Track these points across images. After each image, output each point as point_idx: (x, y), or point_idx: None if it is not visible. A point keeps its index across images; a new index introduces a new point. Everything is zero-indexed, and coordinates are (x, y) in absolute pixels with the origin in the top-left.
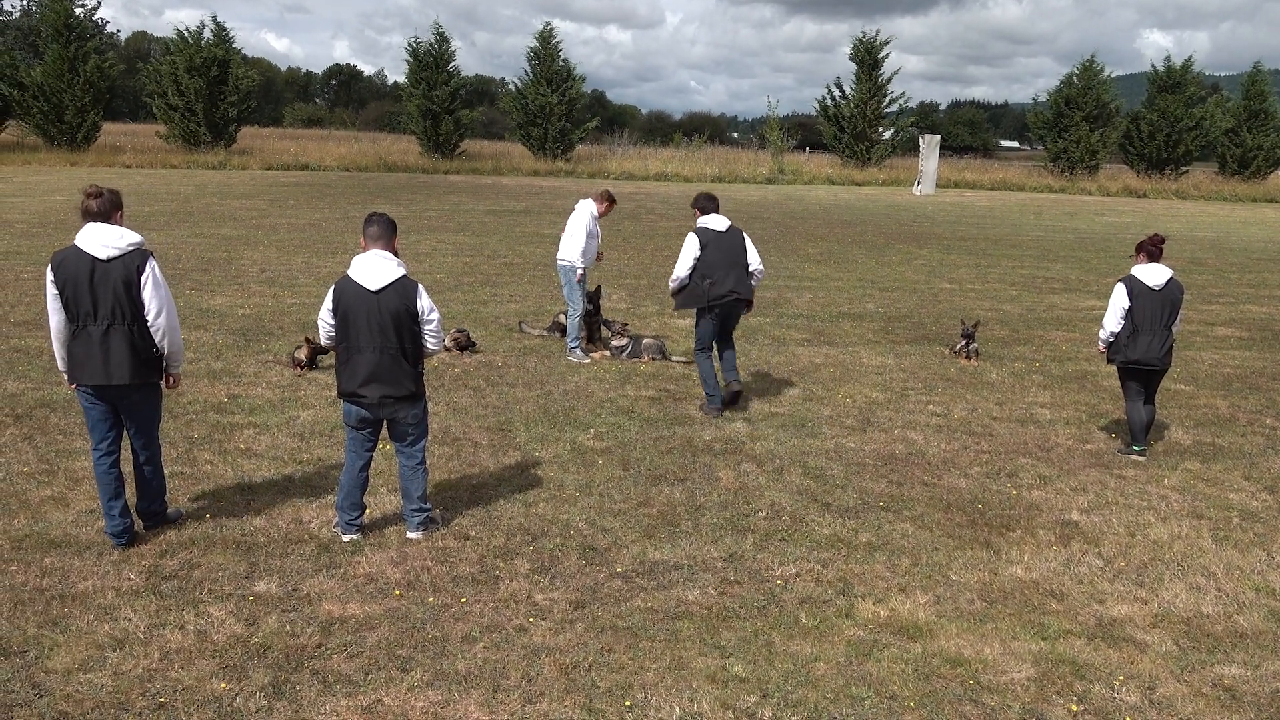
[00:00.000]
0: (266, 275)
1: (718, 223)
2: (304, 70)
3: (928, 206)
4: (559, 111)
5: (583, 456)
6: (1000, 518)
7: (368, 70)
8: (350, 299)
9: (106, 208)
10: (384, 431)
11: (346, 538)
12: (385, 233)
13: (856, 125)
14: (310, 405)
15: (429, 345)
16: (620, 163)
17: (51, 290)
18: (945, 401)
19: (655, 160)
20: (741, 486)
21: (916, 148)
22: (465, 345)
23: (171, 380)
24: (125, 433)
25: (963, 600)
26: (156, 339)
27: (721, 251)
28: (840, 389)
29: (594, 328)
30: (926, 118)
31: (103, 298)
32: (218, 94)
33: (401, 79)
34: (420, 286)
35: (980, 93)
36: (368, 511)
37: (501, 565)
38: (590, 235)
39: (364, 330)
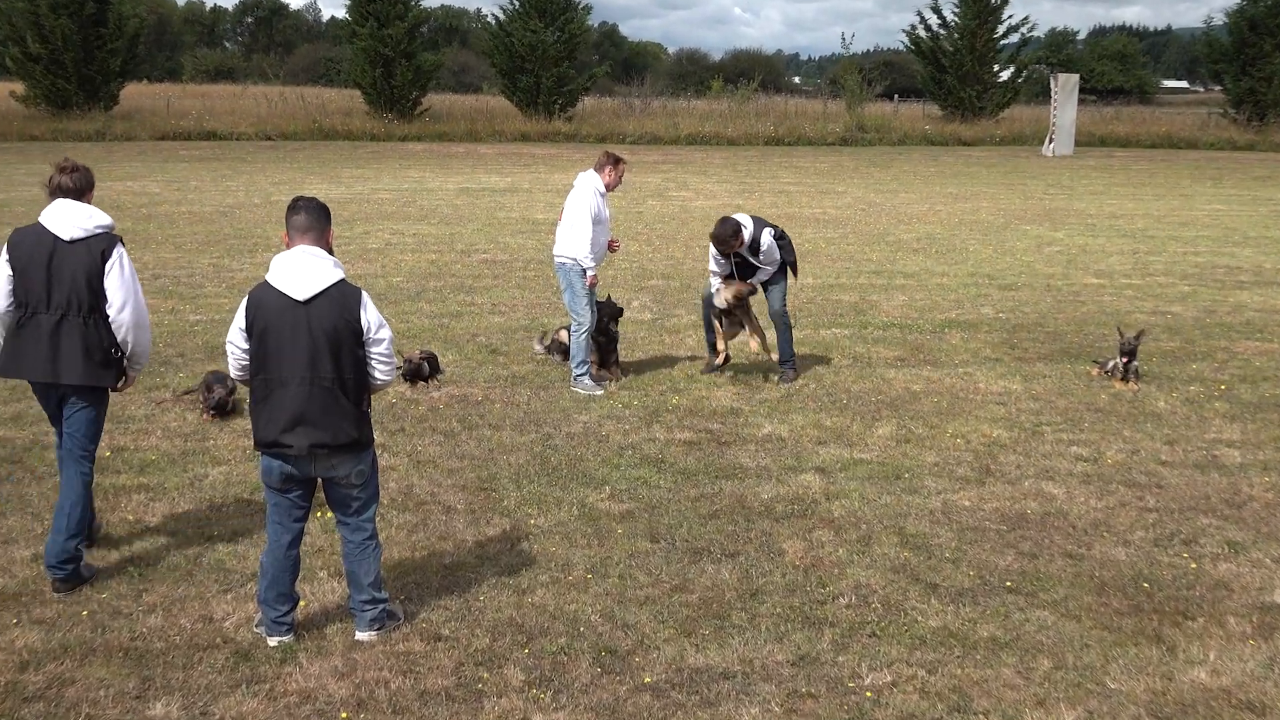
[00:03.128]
0: (161, 283)
1: None
2: (209, 5)
3: (1064, 172)
4: (556, 53)
5: (595, 524)
6: (1175, 601)
7: (294, 3)
8: (270, 313)
9: (81, 184)
10: (321, 495)
11: (274, 640)
12: (315, 222)
13: (962, 64)
14: (223, 460)
15: (377, 375)
16: (640, 121)
17: (5, 271)
18: (1094, 441)
19: (688, 117)
20: (815, 562)
21: (1047, 92)
22: (424, 375)
23: (126, 381)
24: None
25: (1126, 716)
26: (119, 336)
27: None
28: (948, 426)
29: (608, 349)
30: (1059, 51)
31: (58, 284)
32: (93, 40)
33: (340, 13)
34: (365, 295)
35: (1133, 15)
36: (302, 604)
37: (486, 676)
38: (597, 220)
39: (288, 355)
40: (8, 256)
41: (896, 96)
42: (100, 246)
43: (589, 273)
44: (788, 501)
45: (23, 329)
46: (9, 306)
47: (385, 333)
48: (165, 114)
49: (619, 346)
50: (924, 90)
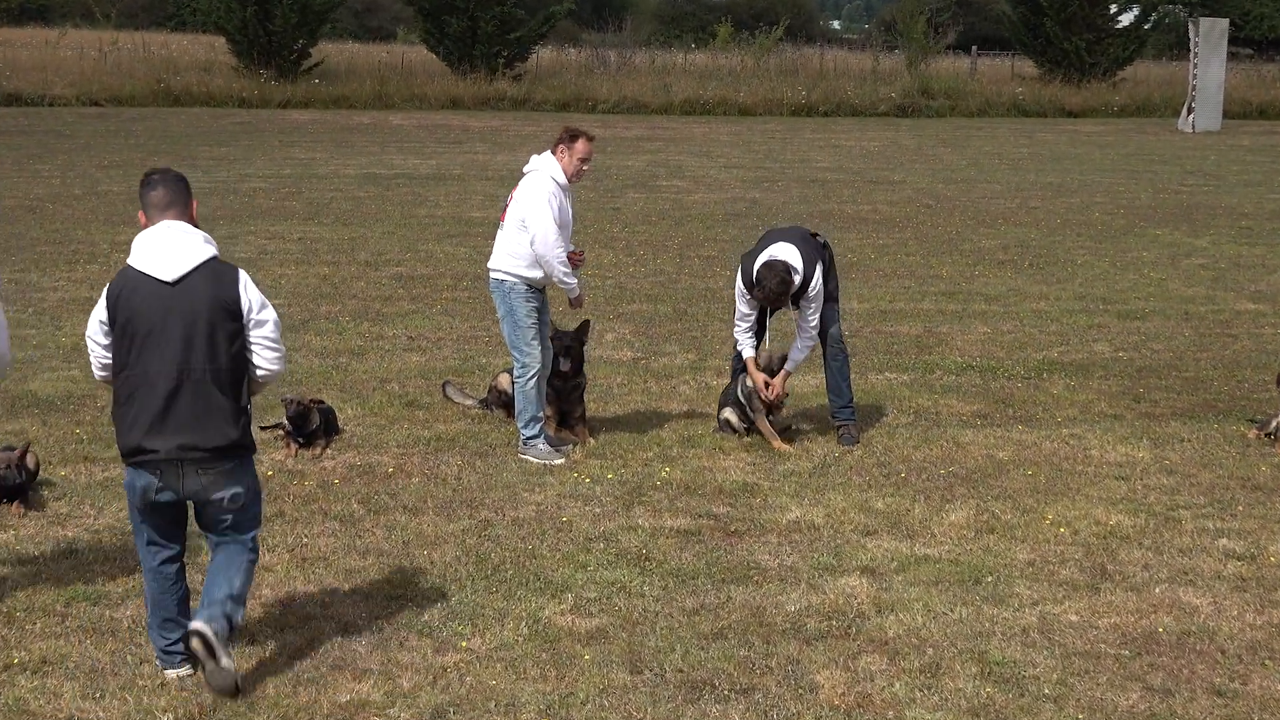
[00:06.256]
0: None
1: None
2: None
3: (1208, 155)
4: None
5: (553, 647)
6: None
7: None
8: (135, 299)
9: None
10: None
11: (170, 674)
12: (177, 195)
13: (1067, 3)
14: (27, 558)
15: (262, 364)
16: (617, 83)
17: None
18: (1252, 531)
19: (684, 77)
20: (861, 701)
21: (1184, 44)
22: (312, 426)
23: None
24: None
25: None
26: None
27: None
28: (1048, 509)
29: (570, 398)
30: None
31: None
32: None
33: None
34: (243, 273)
35: None
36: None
37: None
38: (561, 224)
39: (156, 346)
40: None
41: (976, 49)
42: None
43: (568, 282)
44: (823, 615)
45: None
46: None
47: (270, 313)
48: None
49: (587, 397)
50: (1014, 40)
